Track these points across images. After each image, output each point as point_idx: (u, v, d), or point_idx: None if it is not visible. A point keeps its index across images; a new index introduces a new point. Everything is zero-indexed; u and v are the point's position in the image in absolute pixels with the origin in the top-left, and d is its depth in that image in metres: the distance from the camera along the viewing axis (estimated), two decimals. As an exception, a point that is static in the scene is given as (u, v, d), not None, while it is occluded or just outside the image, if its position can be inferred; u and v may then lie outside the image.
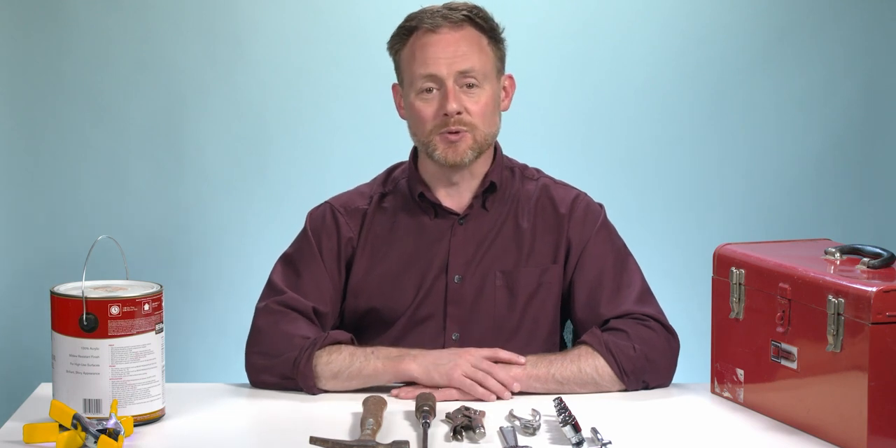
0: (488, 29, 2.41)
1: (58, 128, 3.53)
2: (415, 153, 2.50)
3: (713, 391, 2.33)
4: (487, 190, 2.46)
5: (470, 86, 2.38)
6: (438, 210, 2.47)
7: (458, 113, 2.36)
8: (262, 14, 3.54)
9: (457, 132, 2.38)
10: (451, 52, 2.37)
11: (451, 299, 2.45)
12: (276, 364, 2.33)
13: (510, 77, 2.47)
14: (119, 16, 3.51)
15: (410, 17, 2.42)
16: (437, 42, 2.38)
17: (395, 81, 2.48)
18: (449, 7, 2.41)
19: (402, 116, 2.47)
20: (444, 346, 2.42)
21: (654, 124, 3.66)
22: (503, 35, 2.45)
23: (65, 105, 3.52)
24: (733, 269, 2.25)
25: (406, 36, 2.41)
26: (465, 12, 2.39)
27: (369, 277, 2.46)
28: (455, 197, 2.47)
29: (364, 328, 2.48)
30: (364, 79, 3.54)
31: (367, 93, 3.53)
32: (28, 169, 3.53)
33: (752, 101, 3.67)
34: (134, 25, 3.52)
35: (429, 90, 2.38)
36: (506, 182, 2.49)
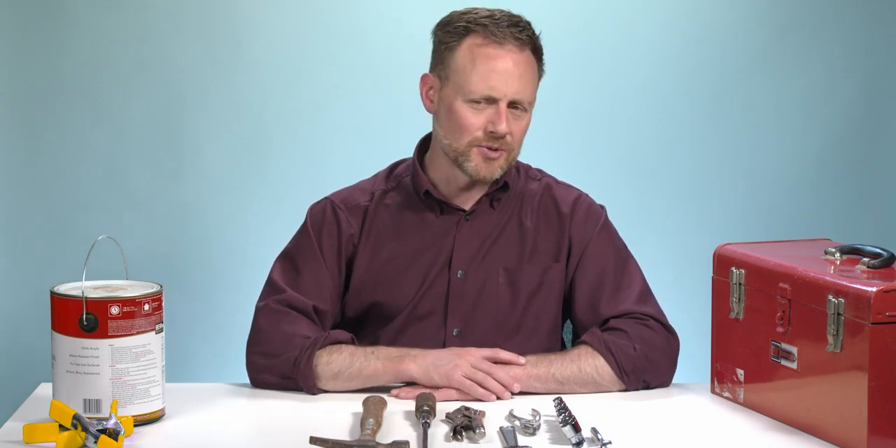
0: (540, 55, 2.40)
1: (58, 128, 3.53)
2: (419, 150, 2.50)
3: (713, 391, 2.33)
4: (499, 189, 2.46)
5: (516, 108, 2.37)
6: (444, 207, 2.47)
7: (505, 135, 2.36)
8: (262, 14, 3.54)
9: (496, 149, 2.37)
10: (516, 76, 2.34)
11: (452, 295, 2.44)
12: (277, 364, 2.33)
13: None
14: (119, 16, 3.51)
15: (471, 19, 2.37)
16: (503, 57, 2.34)
17: (426, 72, 2.43)
18: (512, 22, 2.36)
19: (429, 109, 2.44)
20: (444, 342, 2.42)
21: (654, 124, 3.66)
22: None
23: (65, 105, 3.52)
24: (733, 269, 2.25)
25: (463, 34, 2.37)
26: (528, 34, 2.36)
27: (372, 272, 2.46)
28: (465, 195, 2.47)
29: (365, 322, 2.48)
30: (364, 79, 3.54)
31: (367, 93, 3.54)
32: (28, 169, 3.53)
33: (752, 101, 3.67)
34: (134, 25, 3.52)
35: (478, 102, 2.36)
36: (513, 181, 2.49)
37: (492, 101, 2.35)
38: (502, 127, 2.34)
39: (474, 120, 2.36)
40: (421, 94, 2.44)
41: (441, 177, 2.46)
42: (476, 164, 2.38)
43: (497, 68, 2.34)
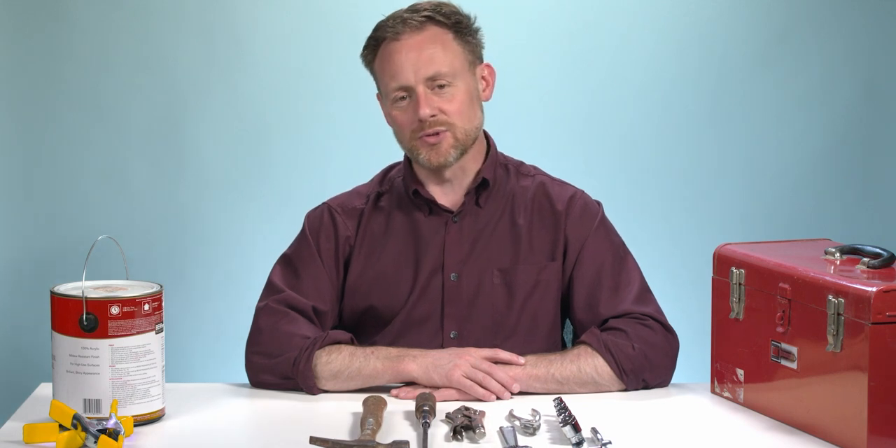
0: (452, 24, 2.39)
1: (58, 128, 3.53)
2: (410, 151, 2.51)
3: (713, 391, 2.33)
4: (480, 186, 2.46)
5: (441, 86, 2.37)
6: (433, 207, 2.47)
7: (433, 116, 2.36)
8: (262, 14, 3.54)
9: (436, 134, 2.37)
10: (413, 58, 2.36)
11: (448, 297, 2.44)
12: (276, 364, 2.33)
13: (488, 66, 2.46)
14: (119, 16, 3.51)
15: (377, 27, 2.42)
16: (399, 49, 2.37)
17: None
18: (412, 9, 2.40)
19: (390, 124, 2.47)
20: (442, 345, 2.42)
21: (654, 124, 3.66)
22: (476, 25, 2.43)
23: (65, 105, 3.52)
24: (733, 269, 2.25)
25: (375, 46, 2.41)
26: (425, 13, 2.38)
27: (366, 276, 2.46)
28: (449, 194, 2.47)
29: (363, 327, 2.48)
30: (364, 79, 3.52)
31: (368, 93, 3.51)
32: (28, 169, 3.53)
33: (752, 101, 3.67)
34: (134, 25, 3.51)
35: (402, 98, 2.38)
36: (500, 179, 2.48)
37: (410, 91, 2.36)
38: (421, 111, 2.35)
39: (403, 117, 2.39)
40: (383, 114, 2.47)
41: (424, 177, 2.47)
42: (425, 154, 2.39)
43: (398, 60, 2.37)
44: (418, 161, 2.41)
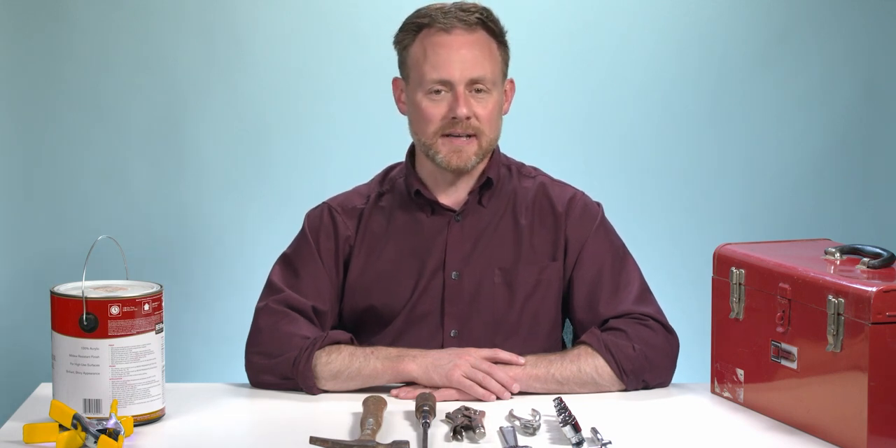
0: (498, 33, 2.41)
1: (58, 128, 3.53)
2: (411, 151, 2.50)
3: (713, 391, 2.33)
4: (483, 186, 2.46)
5: (479, 91, 2.37)
6: (435, 207, 2.47)
7: (468, 118, 2.36)
8: (262, 14, 3.54)
9: (463, 136, 2.37)
10: (463, 55, 2.36)
11: (448, 296, 2.44)
12: (276, 364, 2.33)
13: (511, 81, 2.47)
14: (119, 16, 3.51)
15: (422, 14, 2.40)
16: (450, 44, 2.36)
17: (397, 76, 2.47)
18: (461, 8, 2.39)
19: (402, 111, 2.47)
20: (442, 344, 2.42)
21: (654, 124, 3.66)
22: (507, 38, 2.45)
23: (65, 105, 3.52)
24: (733, 269, 2.25)
25: (416, 32, 2.40)
26: (478, 15, 2.38)
27: (367, 275, 2.47)
28: (451, 194, 2.47)
29: (363, 326, 2.48)
30: (364, 79, 3.54)
31: (367, 93, 3.53)
32: (28, 169, 3.53)
33: (752, 101, 3.67)
34: (134, 25, 3.51)
35: (437, 91, 2.38)
36: (503, 179, 2.49)
37: (449, 86, 2.35)
38: (461, 110, 2.35)
39: (435, 110, 2.37)
40: (395, 99, 2.47)
41: (427, 176, 2.46)
42: (445, 155, 2.38)
43: (447, 53, 2.36)
44: (434, 159, 2.40)
